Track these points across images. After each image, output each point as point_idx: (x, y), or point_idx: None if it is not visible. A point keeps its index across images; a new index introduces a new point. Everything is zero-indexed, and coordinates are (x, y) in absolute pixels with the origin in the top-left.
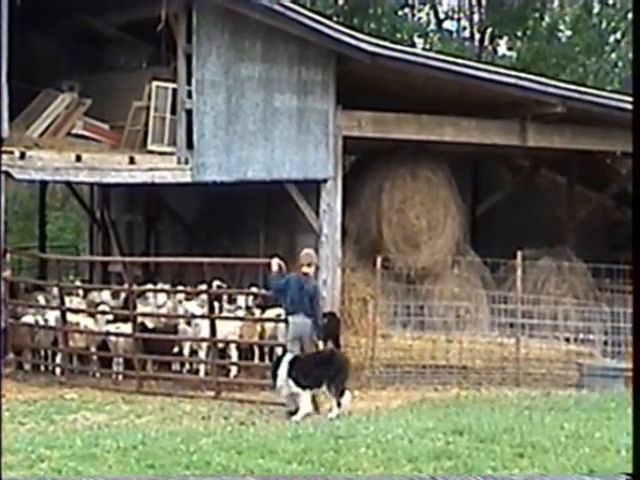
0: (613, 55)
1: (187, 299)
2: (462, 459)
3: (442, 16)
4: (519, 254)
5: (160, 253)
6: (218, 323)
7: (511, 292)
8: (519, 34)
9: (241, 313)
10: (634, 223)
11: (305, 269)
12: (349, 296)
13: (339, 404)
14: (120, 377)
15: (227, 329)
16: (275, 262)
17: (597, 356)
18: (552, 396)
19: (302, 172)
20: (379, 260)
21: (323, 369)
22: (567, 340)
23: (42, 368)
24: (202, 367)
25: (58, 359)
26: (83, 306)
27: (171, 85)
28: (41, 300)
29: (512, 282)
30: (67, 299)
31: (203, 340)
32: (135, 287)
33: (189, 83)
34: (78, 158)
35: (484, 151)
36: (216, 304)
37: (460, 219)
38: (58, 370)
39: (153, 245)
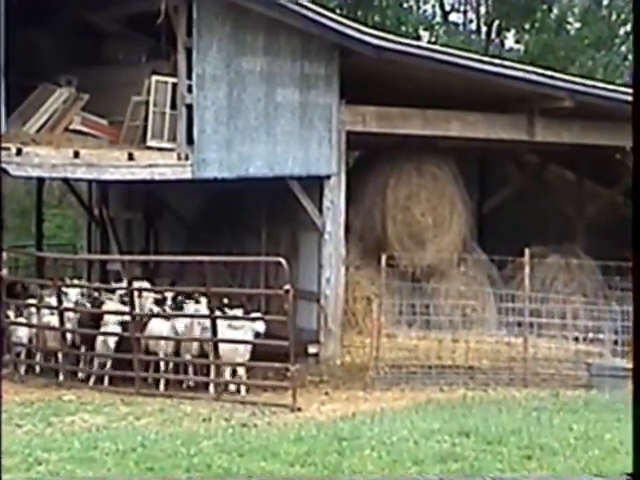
0: (623, 48)
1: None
2: (469, 461)
3: (448, 8)
4: (527, 251)
5: (160, 251)
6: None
7: (519, 290)
8: (527, 27)
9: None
10: (634, 220)
11: None
12: (353, 295)
13: None
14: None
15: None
16: None
17: (607, 356)
18: (561, 397)
19: (305, 168)
20: (384, 258)
21: None
22: (576, 339)
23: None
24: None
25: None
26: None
27: (171, 79)
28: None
29: (520, 280)
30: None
31: (204, 340)
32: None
33: (189, 77)
34: (76, 154)
35: (491, 146)
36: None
37: (466, 216)
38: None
39: (152, 243)
